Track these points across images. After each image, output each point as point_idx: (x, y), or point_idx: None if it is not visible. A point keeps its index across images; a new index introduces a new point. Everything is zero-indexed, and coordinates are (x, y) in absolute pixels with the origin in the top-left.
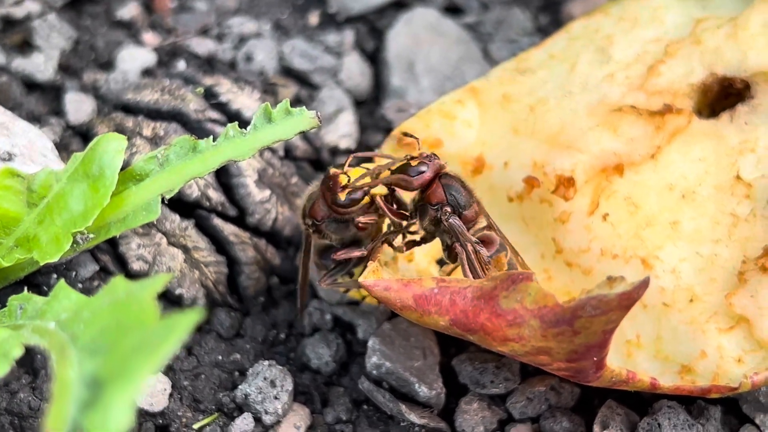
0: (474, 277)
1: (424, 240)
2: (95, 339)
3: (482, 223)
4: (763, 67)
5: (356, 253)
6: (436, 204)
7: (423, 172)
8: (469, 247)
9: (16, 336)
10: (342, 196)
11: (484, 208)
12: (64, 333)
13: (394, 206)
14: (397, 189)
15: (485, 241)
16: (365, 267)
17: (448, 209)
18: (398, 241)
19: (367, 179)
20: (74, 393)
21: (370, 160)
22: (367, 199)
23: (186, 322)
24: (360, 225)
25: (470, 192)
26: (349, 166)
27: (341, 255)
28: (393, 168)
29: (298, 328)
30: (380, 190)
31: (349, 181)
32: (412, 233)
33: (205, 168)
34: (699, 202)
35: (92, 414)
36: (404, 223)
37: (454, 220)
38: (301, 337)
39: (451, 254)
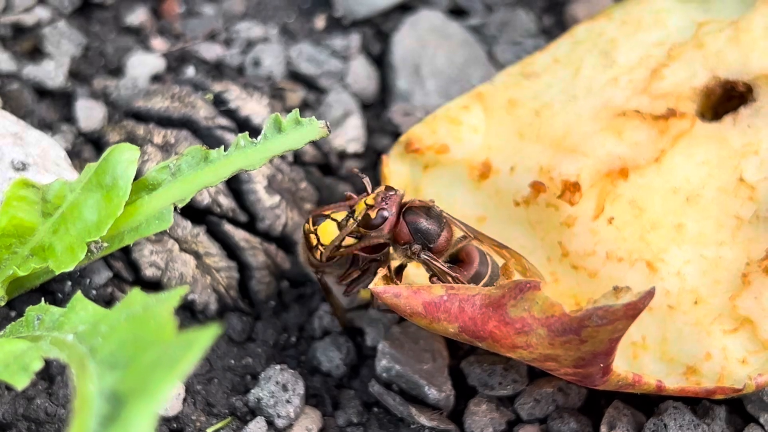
0: None
1: (406, 264)
2: (114, 353)
3: (457, 234)
4: (765, 70)
5: (354, 275)
6: (404, 244)
7: (386, 217)
8: (447, 279)
9: (35, 348)
10: (318, 256)
11: (455, 220)
12: (83, 346)
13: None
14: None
15: (463, 261)
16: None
17: (417, 247)
18: (386, 271)
19: (336, 235)
20: (95, 407)
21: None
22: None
23: (204, 337)
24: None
25: (438, 218)
26: (315, 223)
27: (343, 281)
28: (356, 218)
29: (308, 332)
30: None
31: (318, 241)
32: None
33: (217, 178)
34: (703, 205)
35: (113, 429)
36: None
37: (425, 257)
38: (311, 341)
39: (430, 279)
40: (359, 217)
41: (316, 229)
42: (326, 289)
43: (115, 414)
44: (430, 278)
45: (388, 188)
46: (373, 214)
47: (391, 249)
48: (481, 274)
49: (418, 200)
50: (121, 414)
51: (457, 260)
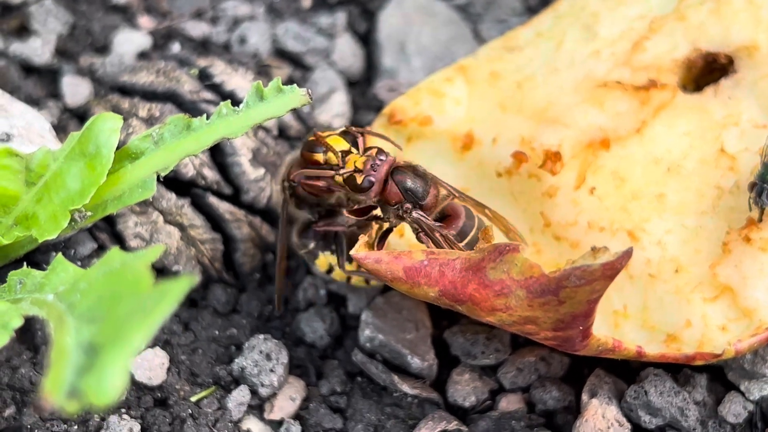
0: None
1: (394, 226)
2: (92, 307)
3: (442, 192)
4: (746, 42)
5: (337, 228)
6: (395, 204)
7: (372, 183)
8: (436, 234)
9: (15, 308)
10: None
11: (438, 179)
12: (62, 303)
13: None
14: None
15: (450, 215)
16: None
17: (408, 206)
18: (371, 236)
19: (323, 182)
20: (71, 359)
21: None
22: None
23: (178, 288)
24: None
25: (424, 176)
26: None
27: (321, 227)
28: (343, 173)
29: (293, 304)
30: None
31: (326, 152)
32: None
33: (199, 146)
34: (684, 175)
35: (88, 378)
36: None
37: (417, 214)
38: (295, 313)
39: (418, 237)
40: (345, 175)
41: (327, 138)
42: (284, 217)
43: (90, 364)
44: (417, 235)
45: (380, 152)
46: (360, 179)
47: (379, 212)
48: (467, 229)
49: (404, 160)
50: (96, 363)
51: (444, 216)
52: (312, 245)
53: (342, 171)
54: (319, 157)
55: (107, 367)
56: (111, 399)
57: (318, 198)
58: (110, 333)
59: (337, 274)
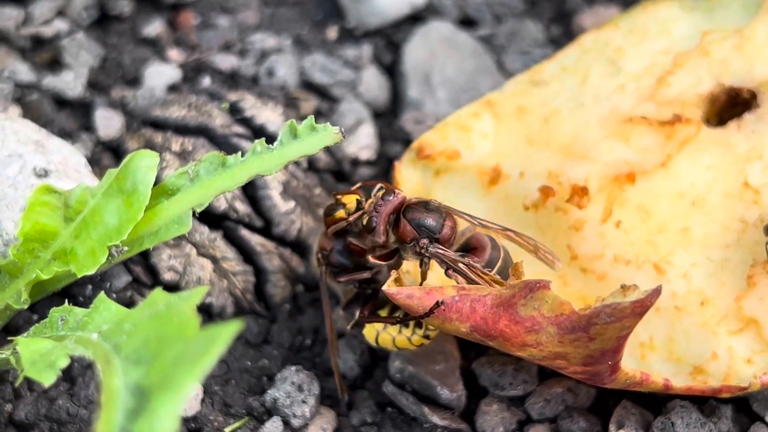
0: None
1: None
2: (138, 349)
3: (462, 224)
4: None
5: (363, 275)
6: (411, 241)
7: (375, 226)
8: (462, 267)
9: (61, 347)
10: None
11: (456, 211)
12: (107, 343)
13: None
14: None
15: (475, 247)
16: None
17: (425, 241)
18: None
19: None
20: (121, 401)
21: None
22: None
23: (226, 333)
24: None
25: (436, 209)
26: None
27: (347, 278)
28: (356, 222)
29: (323, 334)
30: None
31: (344, 208)
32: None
33: (234, 183)
34: (709, 209)
35: (139, 421)
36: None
37: (435, 250)
38: (326, 343)
39: (447, 273)
40: (354, 219)
41: (343, 199)
42: (324, 288)
43: (140, 407)
44: (446, 272)
45: (387, 192)
46: (365, 220)
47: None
48: (495, 259)
49: (415, 198)
50: (147, 407)
51: (470, 248)
52: (357, 315)
53: (351, 217)
54: (342, 213)
55: (158, 412)
56: None
57: (353, 261)
58: (159, 377)
59: (383, 340)
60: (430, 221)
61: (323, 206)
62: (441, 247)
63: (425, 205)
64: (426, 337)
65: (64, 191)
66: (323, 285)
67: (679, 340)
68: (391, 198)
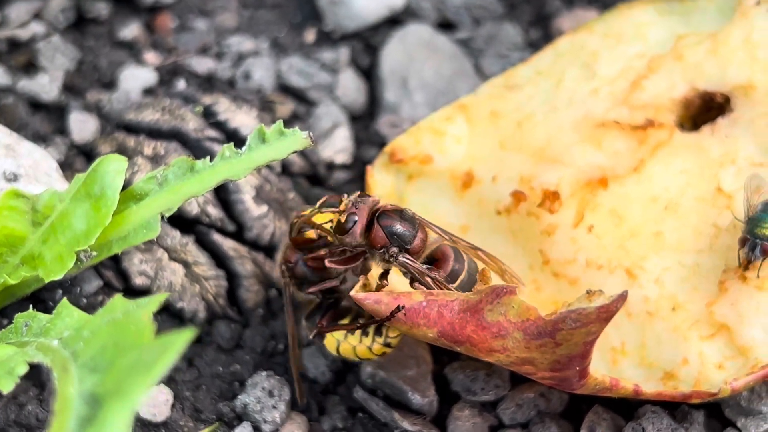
0: None
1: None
2: (95, 357)
3: (431, 236)
4: (742, 82)
5: (331, 283)
6: (381, 248)
7: (356, 221)
8: (426, 279)
9: (21, 353)
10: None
11: (428, 223)
12: (66, 350)
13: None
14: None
15: (439, 259)
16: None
17: (394, 250)
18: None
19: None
20: (74, 409)
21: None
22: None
23: (180, 340)
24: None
25: (411, 220)
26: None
27: (315, 289)
28: (330, 227)
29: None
30: None
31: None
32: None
33: (202, 187)
34: (681, 214)
35: (91, 429)
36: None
37: (403, 259)
38: (298, 348)
39: (411, 284)
40: (332, 226)
41: (311, 218)
42: (290, 301)
43: (92, 415)
44: (411, 283)
45: (362, 195)
46: (343, 218)
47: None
48: (458, 272)
49: (391, 204)
50: (99, 415)
51: (433, 260)
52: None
53: (329, 223)
54: (311, 234)
55: (110, 420)
56: None
57: (318, 274)
58: (113, 385)
59: (344, 350)
60: (403, 230)
61: (297, 210)
62: (410, 257)
63: (400, 213)
64: (387, 345)
65: (32, 195)
66: (287, 297)
67: (651, 346)
68: (367, 200)
